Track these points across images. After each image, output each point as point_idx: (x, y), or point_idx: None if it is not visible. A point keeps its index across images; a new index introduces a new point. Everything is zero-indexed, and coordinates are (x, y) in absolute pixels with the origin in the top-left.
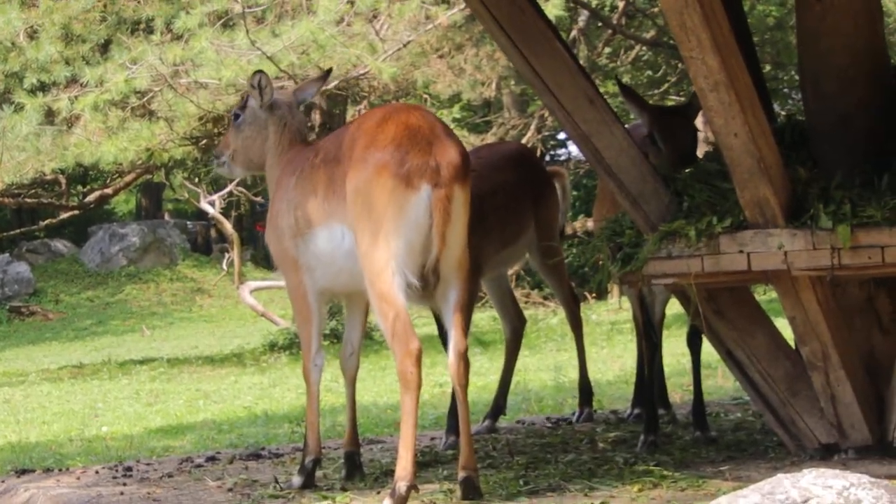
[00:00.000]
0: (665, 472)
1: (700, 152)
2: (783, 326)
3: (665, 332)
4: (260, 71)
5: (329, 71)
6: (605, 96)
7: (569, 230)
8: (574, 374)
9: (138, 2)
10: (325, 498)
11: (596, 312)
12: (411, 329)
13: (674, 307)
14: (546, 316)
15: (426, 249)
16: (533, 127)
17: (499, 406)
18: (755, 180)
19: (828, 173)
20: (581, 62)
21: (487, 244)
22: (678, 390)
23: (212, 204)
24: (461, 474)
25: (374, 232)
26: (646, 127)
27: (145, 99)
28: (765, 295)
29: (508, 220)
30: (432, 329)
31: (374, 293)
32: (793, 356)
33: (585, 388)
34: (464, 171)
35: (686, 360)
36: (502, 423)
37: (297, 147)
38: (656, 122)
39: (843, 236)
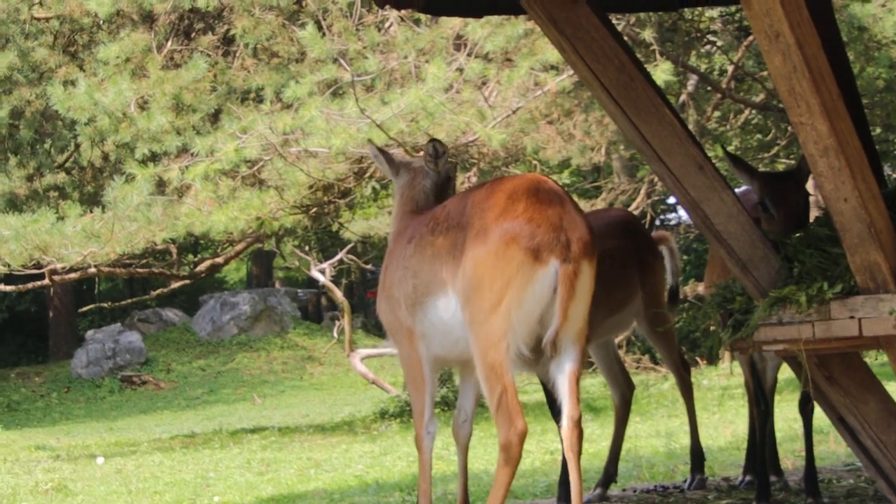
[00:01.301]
0: None
1: (812, 216)
2: (895, 392)
3: (777, 398)
4: (434, 140)
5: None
6: (714, 161)
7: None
8: (685, 441)
9: (248, 71)
10: None
11: (707, 377)
12: (518, 405)
13: (786, 372)
14: (657, 381)
15: (545, 323)
16: (643, 192)
17: (609, 474)
18: (866, 245)
19: None
20: (690, 126)
21: (593, 312)
22: (790, 456)
23: (322, 272)
24: None
25: (494, 303)
26: (756, 193)
27: (255, 168)
28: (876, 360)
29: (614, 287)
30: (541, 395)
31: (484, 364)
32: None
33: (697, 454)
34: (592, 247)
35: (798, 426)
36: (613, 490)
37: (410, 216)
38: (766, 188)
39: None
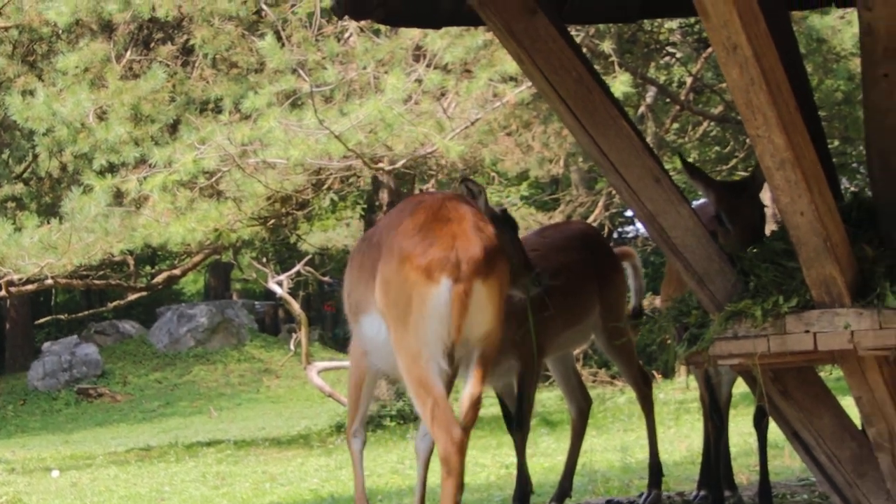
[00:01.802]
0: None
1: (768, 230)
2: (850, 406)
3: (733, 412)
4: (467, 179)
5: None
6: (673, 173)
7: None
8: (641, 455)
9: (207, 82)
10: None
11: (663, 391)
12: (452, 416)
13: (741, 386)
14: (613, 395)
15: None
16: (601, 204)
17: (564, 488)
18: (821, 259)
19: (895, 251)
20: (648, 138)
21: (550, 325)
22: (745, 471)
23: (280, 284)
24: None
25: (403, 320)
26: (713, 206)
27: (213, 179)
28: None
29: (572, 300)
30: (497, 409)
31: (410, 380)
32: (859, 437)
33: (655, 470)
34: (486, 266)
35: (753, 441)
36: None
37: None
38: (722, 201)
39: None
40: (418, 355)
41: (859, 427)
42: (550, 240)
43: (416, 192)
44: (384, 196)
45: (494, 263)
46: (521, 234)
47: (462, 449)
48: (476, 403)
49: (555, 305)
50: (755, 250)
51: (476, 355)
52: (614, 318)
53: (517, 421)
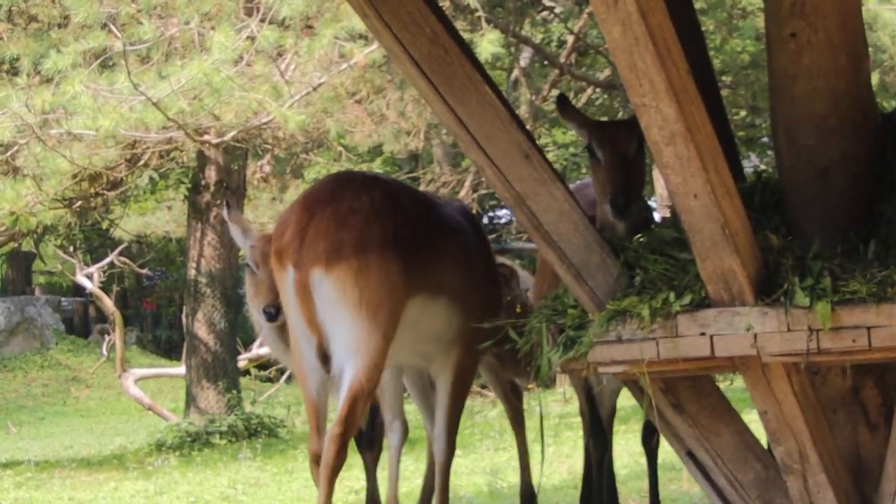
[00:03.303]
0: None
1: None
2: (753, 421)
3: (621, 428)
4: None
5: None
6: (553, 147)
7: None
8: (514, 478)
9: (2, 38)
10: None
11: (542, 402)
12: (314, 423)
13: (630, 398)
14: (483, 408)
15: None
16: (467, 184)
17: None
18: (719, 249)
19: (804, 241)
20: (523, 108)
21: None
22: (635, 496)
23: (89, 277)
24: None
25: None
26: (584, 140)
27: (9, 153)
28: (732, 384)
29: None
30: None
31: None
32: (765, 458)
33: (527, 495)
34: (337, 256)
35: (645, 461)
36: None
37: None
38: (594, 131)
39: (823, 315)
40: (294, 348)
41: (765, 446)
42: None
43: (249, 169)
44: (211, 174)
45: (347, 255)
46: None
47: (314, 460)
48: (332, 439)
49: None
50: (642, 239)
51: (345, 385)
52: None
53: (367, 439)
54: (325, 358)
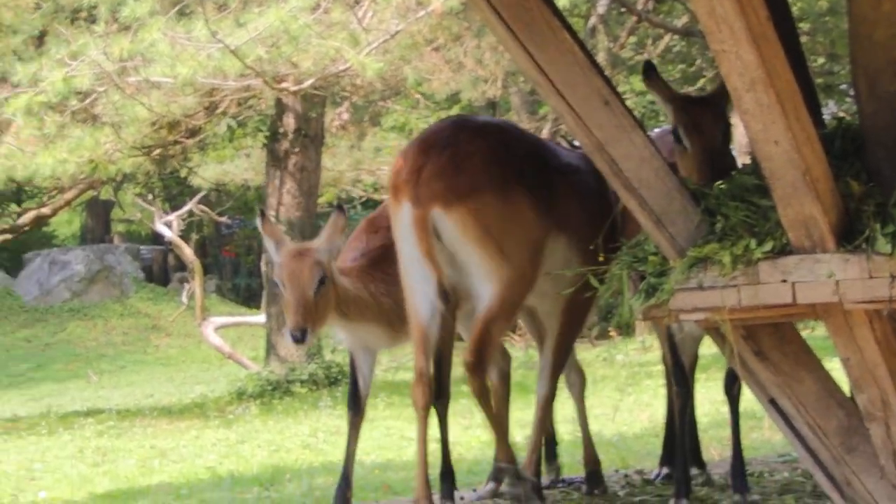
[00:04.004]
0: None
1: (740, 163)
2: (836, 369)
3: (703, 376)
4: None
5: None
6: (631, 95)
7: None
8: (595, 427)
9: None
10: None
11: (622, 352)
12: (423, 351)
13: (712, 346)
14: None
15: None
16: (546, 131)
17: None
18: (800, 196)
19: (886, 187)
20: (601, 55)
21: None
22: (717, 445)
23: (168, 225)
24: None
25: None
26: (670, 119)
27: (88, 101)
28: (814, 332)
29: None
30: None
31: None
32: (847, 405)
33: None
34: (448, 196)
35: (726, 410)
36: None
37: None
38: (681, 114)
39: None
40: (406, 277)
41: (847, 394)
42: None
43: (328, 117)
44: (289, 122)
45: (465, 196)
46: None
47: (420, 380)
48: (467, 368)
49: None
50: (723, 186)
51: (476, 316)
52: None
53: (437, 391)
54: (444, 295)
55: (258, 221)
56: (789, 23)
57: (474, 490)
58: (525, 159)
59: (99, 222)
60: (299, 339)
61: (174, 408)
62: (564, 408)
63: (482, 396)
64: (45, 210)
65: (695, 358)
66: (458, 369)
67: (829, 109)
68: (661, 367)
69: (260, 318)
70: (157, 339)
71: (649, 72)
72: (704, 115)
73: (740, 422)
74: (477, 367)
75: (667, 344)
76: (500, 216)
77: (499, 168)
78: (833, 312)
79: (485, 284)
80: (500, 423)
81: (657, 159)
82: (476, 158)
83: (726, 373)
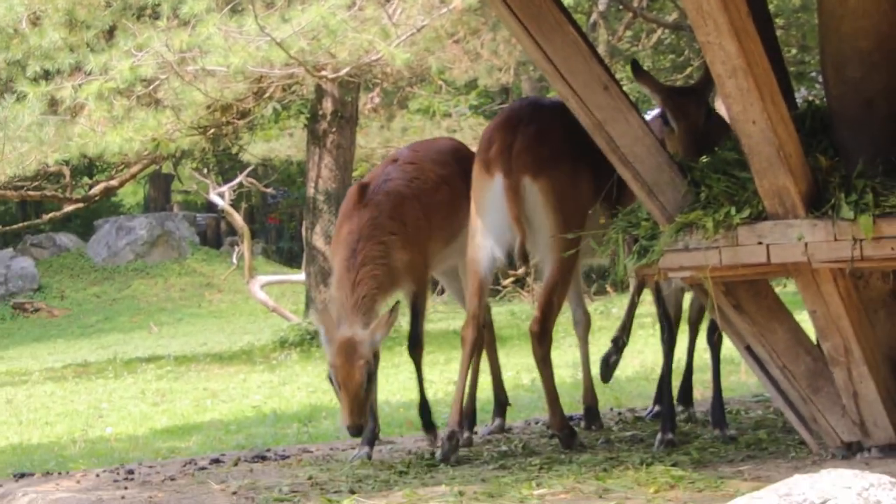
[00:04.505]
0: (682, 473)
1: None
2: (804, 320)
3: (701, 326)
4: None
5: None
6: (628, 81)
7: None
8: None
9: None
10: (331, 502)
11: (617, 306)
12: (479, 297)
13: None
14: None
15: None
16: None
17: (500, 402)
18: (774, 169)
19: (849, 162)
20: (601, 47)
21: (432, 242)
22: (699, 387)
23: (221, 196)
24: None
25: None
26: (658, 105)
27: (151, 87)
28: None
29: (451, 215)
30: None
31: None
32: (814, 352)
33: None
34: (535, 166)
35: (708, 356)
36: (517, 421)
37: None
38: (667, 99)
39: (865, 227)
40: (474, 236)
41: (814, 342)
42: (425, 153)
43: (361, 101)
44: (328, 105)
45: (549, 167)
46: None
47: (472, 322)
48: (535, 336)
49: (436, 221)
50: (707, 160)
51: (545, 267)
52: None
53: (412, 340)
54: (524, 255)
55: (312, 313)
56: (766, 18)
57: (486, 426)
58: (585, 137)
59: (160, 193)
60: (357, 432)
61: (224, 354)
62: (566, 354)
63: (543, 361)
64: (114, 182)
65: (679, 310)
66: (450, 323)
67: (801, 94)
68: (651, 319)
69: (300, 276)
70: (211, 294)
71: (637, 68)
72: (688, 102)
73: (720, 367)
74: (543, 336)
75: (655, 298)
76: (572, 186)
77: (571, 144)
78: (802, 271)
79: (549, 254)
80: (550, 390)
81: (650, 137)
82: (556, 134)
83: (709, 323)
